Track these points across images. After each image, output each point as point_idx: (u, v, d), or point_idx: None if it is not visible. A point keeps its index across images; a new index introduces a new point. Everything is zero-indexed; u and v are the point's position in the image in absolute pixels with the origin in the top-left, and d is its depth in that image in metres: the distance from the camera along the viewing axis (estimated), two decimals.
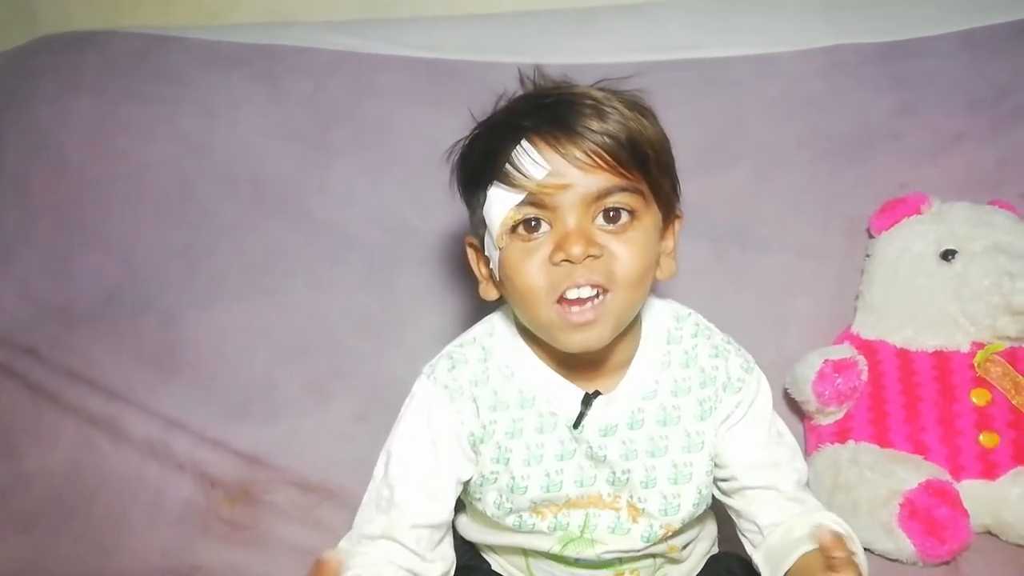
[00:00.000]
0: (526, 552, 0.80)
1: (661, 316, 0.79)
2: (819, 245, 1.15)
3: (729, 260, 1.15)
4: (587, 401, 0.74)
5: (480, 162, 0.72)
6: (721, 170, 1.16)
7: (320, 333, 1.13)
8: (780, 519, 0.75)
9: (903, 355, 1.05)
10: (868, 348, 1.07)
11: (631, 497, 0.75)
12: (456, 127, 1.13)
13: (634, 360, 0.76)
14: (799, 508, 0.76)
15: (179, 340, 1.12)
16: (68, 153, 1.19)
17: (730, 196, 1.16)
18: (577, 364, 0.75)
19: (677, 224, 0.77)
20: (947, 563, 0.92)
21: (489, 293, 0.77)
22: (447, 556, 0.76)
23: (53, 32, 1.31)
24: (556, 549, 0.77)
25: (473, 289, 1.09)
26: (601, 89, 0.72)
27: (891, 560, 0.93)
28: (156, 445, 1.07)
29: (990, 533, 0.97)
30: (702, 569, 0.83)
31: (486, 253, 0.75)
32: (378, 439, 1.06)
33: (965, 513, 0.92)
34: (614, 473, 0.75)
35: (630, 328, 0.75)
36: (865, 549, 0.93)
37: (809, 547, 0.72)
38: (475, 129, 0.76)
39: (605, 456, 0.75)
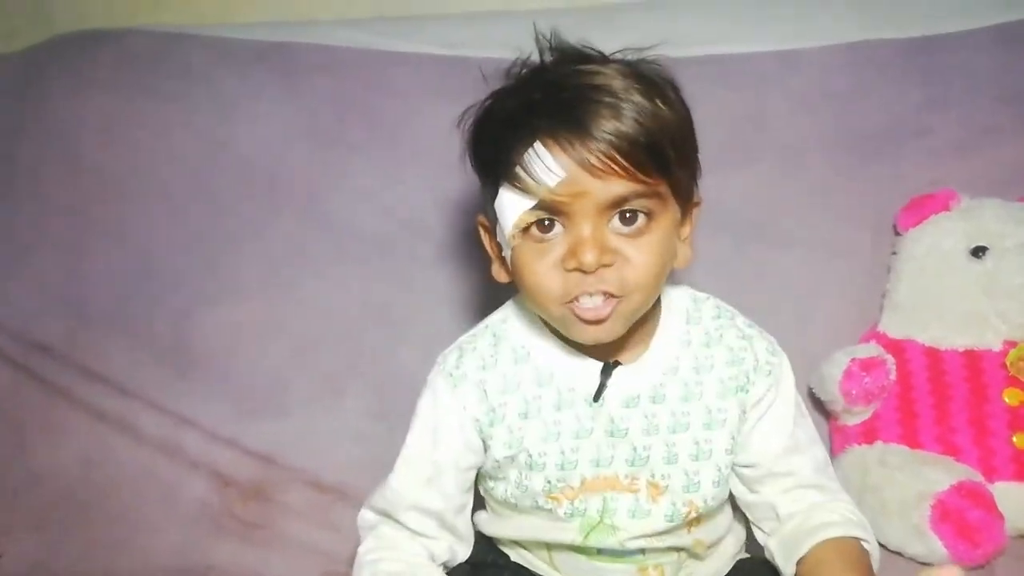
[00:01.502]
0: (549, 546, 0.79)
1: (679, 299, 0.79)
2: (844, 242, 1.13)
3: (752, 257, 1.13)
4: (607, 370, 0.74)
5: (491, 156, 0.70)
6: (744, 166, 1.14)
7: (335, 330, 1.12)
8: (798, 508, 0.75)
9: (932, 354, 1.03)
10: (896, 347, 1.04)
11: (652, 476, 0.74)
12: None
13: (655, 335, 0.76)
14: (819, 496, 0.76)
15: (193, 337, 1.12)
16: (84, 151, 1.19)
17: (753, 192, 1.14)
18: (594, 347, 0.74)
19: (695, 211, 0.75)
20: (982, 567, 0.89)
21: (501, 275, 0.76)
22: (462, 536, 0.78)
23: (68, 31, 1.31)
24: (579, 540, 0.75)
25: (489, 285, 1.09)
26: (621, 71, 0.69)
27: (923, 564, 0.90)
28: (169, 443, 1.06)
29: None
30: (730, 572, 0.81)
31: (497, 239, 0.74)
32: (393, 437, 1.04)
33: (1000, 516, 0.89)
34: (635, 450, 0.74)
35: (648, 311, 0.74)
36: (896, 552, 0.92)
37: (834, 533, 0.72)
38: (487, 100, 0.73)
39: (627, 431, 0.73)
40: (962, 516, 0.88)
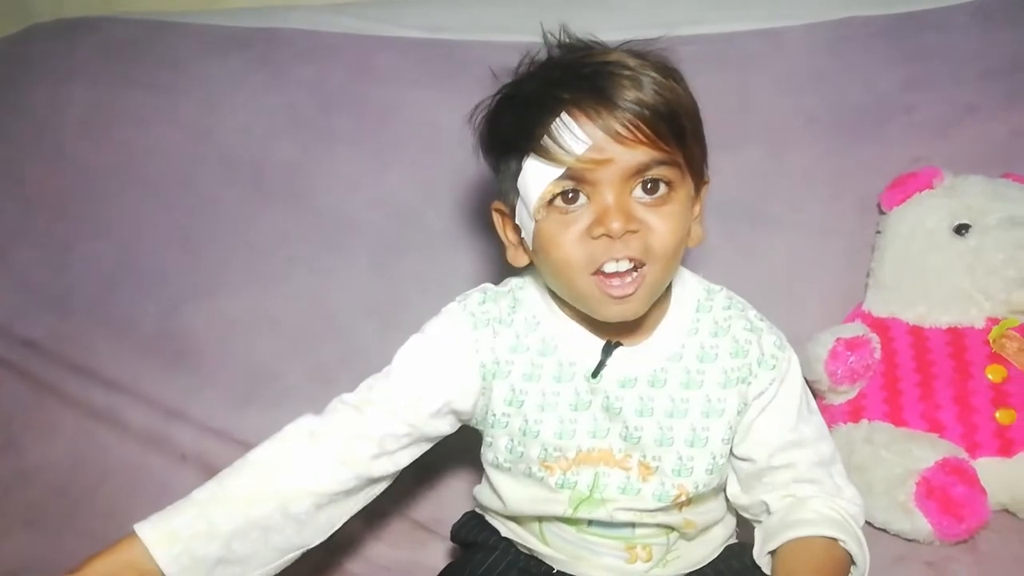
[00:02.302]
0: (540, 518, 0.80)
1: (692, 287, 0.81)
2: (829, 222, 1.14)
3: (738, 239, 1.13)
4: (607, 350, 0.76)
5: (515, 132, 0.72)
6: (729, 148, 1.12)
7: (324, 320, 1.12)
8: (785, 504, 0.77)
9: (916, 332, 1.04)
10: (880, 326, 1.05)
11: (643, 456, 0.76)
12: (458, 109, 1.11)
13: (662, 323, 0.78)
14: (811, 490, 0.77)
15: (180, 329, 1.11)
16: (65, 142, 1.18)
17: (738, 174, 1.14)
18: (604, 325, 0.75)
19: (704, 190, 0.78)
20: (965, 542, 0.91)
21: (518, 259, 0.78)
22: (399, 463, 0.78)
23: (46, 19, 1.30)
24: (568, 512, 0.77)
25: (479, 271, 1.09)
26: (631, 53, 0.72)
27: (908, 540, 0.92)
28: (158, 436, 1.06)
29: (1007, 511, 0.96)
30: (718, 557, 0.83)
31: (516, 221, 0.75)
32: None
33: (982, 491, 0.91)
34: (627, 429, 0.75)
35: (658, 299, 0.76)
36: (881, 529, 0.93)
37: (803, 532, 0.74)
38: (501, 91, 0.75)
39: (620, 409, 0.75)
40: (946, 492, 0.90)
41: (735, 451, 0.78)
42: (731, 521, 0.84)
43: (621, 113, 0.68)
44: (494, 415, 0.77)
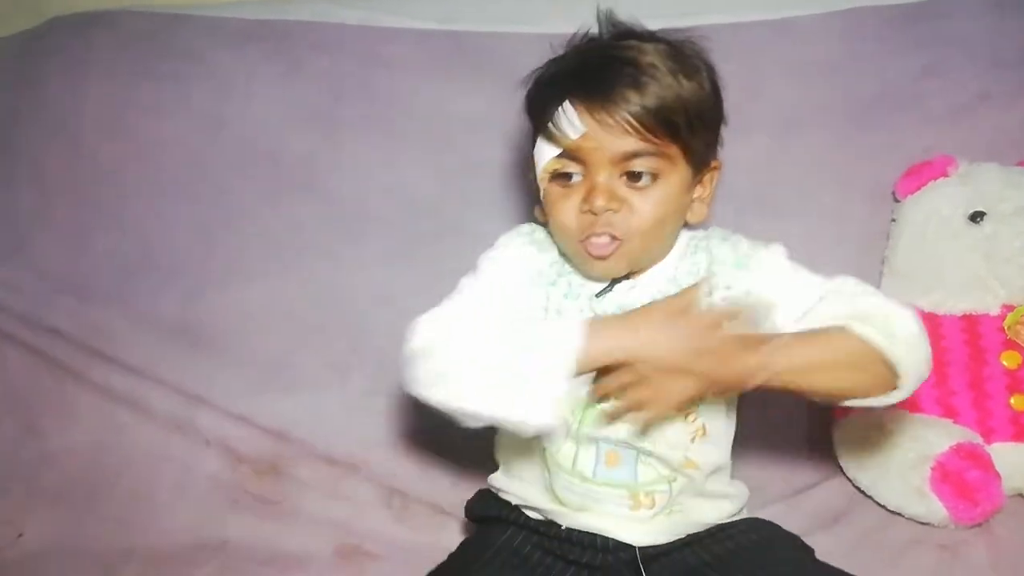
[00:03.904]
0: (547, 467, 0.83)
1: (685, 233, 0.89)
2: (841, 211, 1.14)
3: (750, 229, 1.11)
4: (615, 281, 0.85)
5: (534, 112, 0.84)
6: (739, 138, 1.12)
7: (339, 308, 1.13)
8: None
9: (931, 319, 1.04)
10: None
11: None
12: (469, 98, 1.13)
13: (659, 263, 0.86)
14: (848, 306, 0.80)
15: (199, 317, 1.12)
16: (83, 134, 1.19)
17: (749, 164, 1.14)
18: None
19: (713, 174, 0.87)
20: (979, 525, 0.91)
21: (541, 215, 0.89)
22: None
23: (61, 14, 1.30)
24: (575, 425, 0.80)
25: None
26: (655, 47, 0.81)
27: (923, 524, 0.93)
28: (180, 421, 1.07)
29: (1022, 495, 0.96)
30: (738, 529, 0.83)
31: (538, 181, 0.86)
32: (401, 411, 1.07)
33: (997, 475, 0.91)
34: None
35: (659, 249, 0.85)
36: (896, 513, 0.94)
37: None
38: (545, 65, 0.85)
39: None
40: (961, 477, 0.90)
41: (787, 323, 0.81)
42: (740, 493, 0.86)
43: (615, 108, 0.78)
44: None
